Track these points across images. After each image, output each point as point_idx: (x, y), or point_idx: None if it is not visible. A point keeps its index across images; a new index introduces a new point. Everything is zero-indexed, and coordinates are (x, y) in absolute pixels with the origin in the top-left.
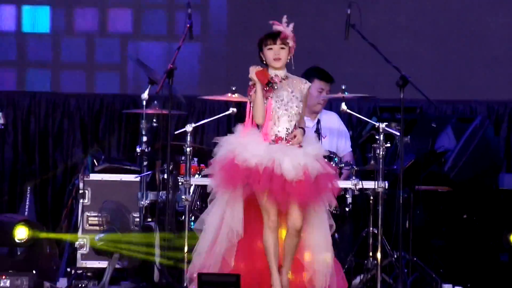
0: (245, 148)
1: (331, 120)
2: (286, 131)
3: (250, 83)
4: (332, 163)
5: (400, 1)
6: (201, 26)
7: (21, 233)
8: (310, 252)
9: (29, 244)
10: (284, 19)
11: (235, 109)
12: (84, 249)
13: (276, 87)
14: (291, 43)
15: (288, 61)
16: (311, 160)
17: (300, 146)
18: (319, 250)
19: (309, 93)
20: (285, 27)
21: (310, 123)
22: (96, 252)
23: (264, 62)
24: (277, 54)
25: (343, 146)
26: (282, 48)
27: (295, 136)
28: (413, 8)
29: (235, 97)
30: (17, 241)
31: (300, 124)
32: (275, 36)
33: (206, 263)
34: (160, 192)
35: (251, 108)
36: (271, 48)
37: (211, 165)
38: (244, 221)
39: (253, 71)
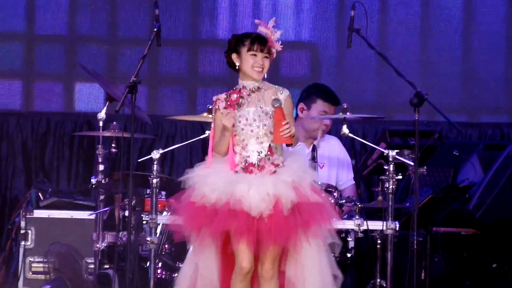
0: (204, 182)
1: (330, 146)
2: (258, 155)
3: (214, 98)
4: (330, 198)
5: (414, 3)
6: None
7: None
8: None
9: None
10: (272, 22)
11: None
12: None
13: (241, 102)
14: (274, 53)
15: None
16: (284, 188)
17: (274, 172)
18: None
19: (291, 105)
20: (272, 33)
21: (304, 150)
22: None
23: (237, 68)
24: (260, 64)
25: (344, 178)
26: (266, 57)
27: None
28: (432, 10)
29: (212, 117)
30: None
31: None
32: (264, 41)
33: None
34: (120, 233)
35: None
36: (255, 55)
37: (173, 205)
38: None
39: (229, 121)
